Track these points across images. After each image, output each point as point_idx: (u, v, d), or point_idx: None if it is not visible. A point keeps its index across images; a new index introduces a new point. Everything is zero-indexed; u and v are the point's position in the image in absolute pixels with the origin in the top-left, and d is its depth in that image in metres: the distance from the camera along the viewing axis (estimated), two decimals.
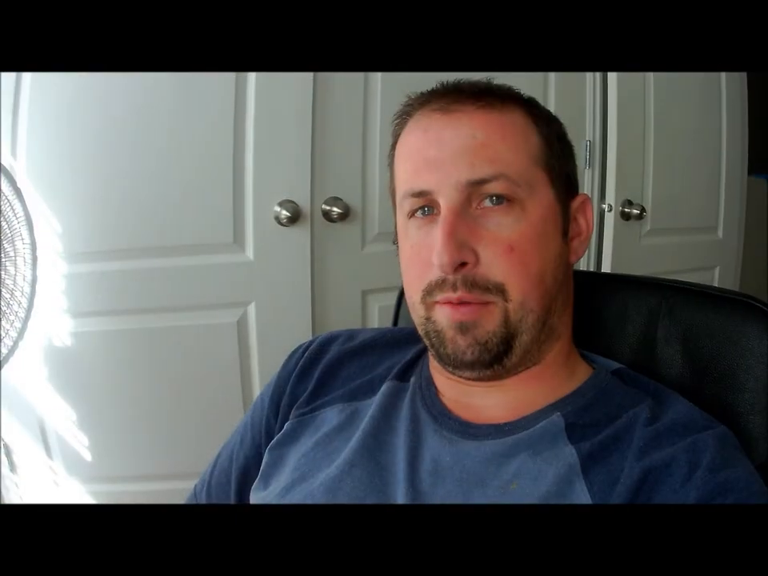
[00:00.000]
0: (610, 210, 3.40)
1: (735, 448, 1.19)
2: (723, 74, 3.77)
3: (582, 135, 3.40)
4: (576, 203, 1.35)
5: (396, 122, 1.37)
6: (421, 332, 1.32)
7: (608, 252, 3.46)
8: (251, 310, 2.88)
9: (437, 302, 1.25)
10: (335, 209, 2.90)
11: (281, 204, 2.79)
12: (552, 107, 1.39)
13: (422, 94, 1.34)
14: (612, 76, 3.37)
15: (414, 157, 1.29)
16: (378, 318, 3.12)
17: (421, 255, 1.26)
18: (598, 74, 3.45)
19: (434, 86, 1.33)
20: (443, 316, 1.25)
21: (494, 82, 1.33)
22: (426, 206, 1.26)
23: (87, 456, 2.76)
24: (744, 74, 3.90)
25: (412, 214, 1.29)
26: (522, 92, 1.35)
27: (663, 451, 1.15)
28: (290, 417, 1.46)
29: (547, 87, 3.31)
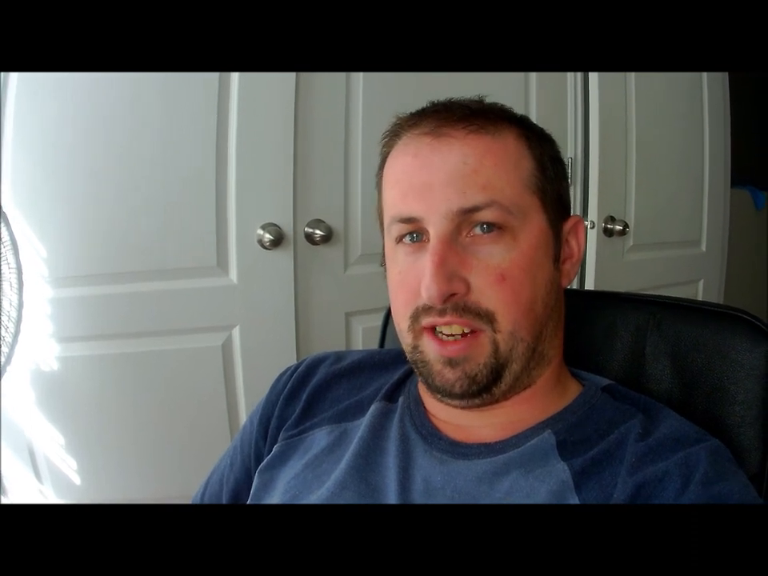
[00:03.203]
0: (593, 227, 3.40)
1: (728, 461, 1.18)
2: (705, 87, 3.80)
3: (563, 152, 3.32)
4: (568, 225, 1.34)
5: (384, 141, 1.34)
6: (409, 359, 1.31)
7: (591, 269, 3.45)
8: (236, 333, 2.87)
9: (424, 329, 1.24)
10: (318, 231, 2.90)
11: (263, 227, 2.79)
12: None
13: (411, 115, 1.31)
14: (593, 92, 3.38)
15: (402, 182, 1.26)
16: (362, 339, 3.12)
17: (408, 282, 1.24)
18: (579, 90, 3.47)
19: (424, 106, 1.31)
20: (431, 349, 1.24)
21: (486, 101, 1.31)
22: (414, 232, 1.24)
23: (76, 480, 2.74)
24: (726, 86, 3.93)
25: (400, 240, 1.27)
26: (513, 110, 1.33)
27: (656, 466, 1.15)
28: (279, 439, 1.46)
29: (528, 103, 3.33)
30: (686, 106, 3.80)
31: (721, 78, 3.90)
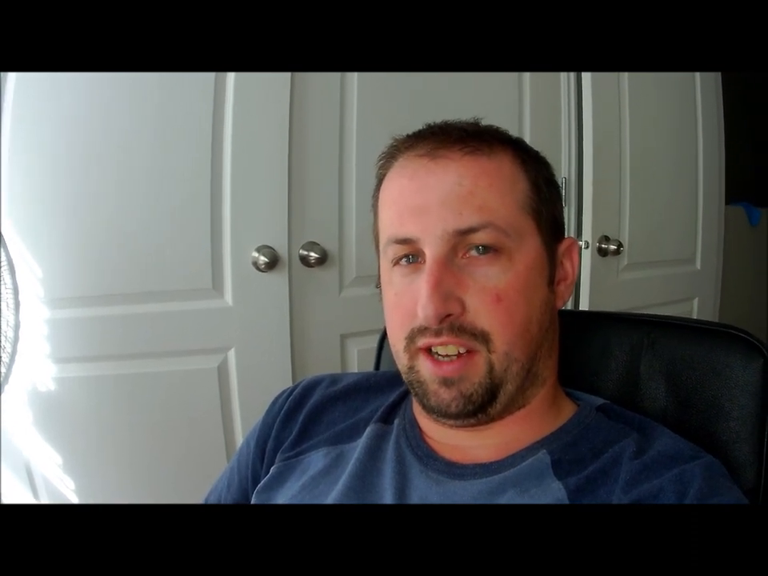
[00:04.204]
0: (587, 247, 3.40)
1: (723, 476, 1.18)
2: (699, 104, 3.81)
3: (557, 173, 3.29)
4: (563, 247, 1.34)
5: (380, 163, 1.35)
6: (405, 380, 1.32)
7: (586, 289, 3.46)
8: (231, 355, 2.87)
9: (420, 349, 1.24)
10: (312, 253, 2.90)
11: (258, 249, 2.79)
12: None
13: (408, 136, 1.32)
14: (587, 112, 3.39)
15: (398, 203, 1.27)
16: (358, 361, 3.12)
17: (404, 303, 1.24)
18: (572, 110, 3.47)
19: (420, 129, 1.32)
20: (426, 369, 1.24)
21: (482, 124, 1.32)
22: (410, 253, 1.24)
23: (74, 499, 2.73)
24: (720, 103, 3.94)
25: (396, 261, 1.27)
26: (509, 132, 1.34)
27: (650, 483, 1.15)
28: (276, 461, 1.46)
29: (522, 125, 3.33)
30: (680, 124, 3.81)
31: (714, 95, 3.91)
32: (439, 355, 1.23)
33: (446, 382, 1.22)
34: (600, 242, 3.46)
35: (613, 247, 3.48)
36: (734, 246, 4.39)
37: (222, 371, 2.88)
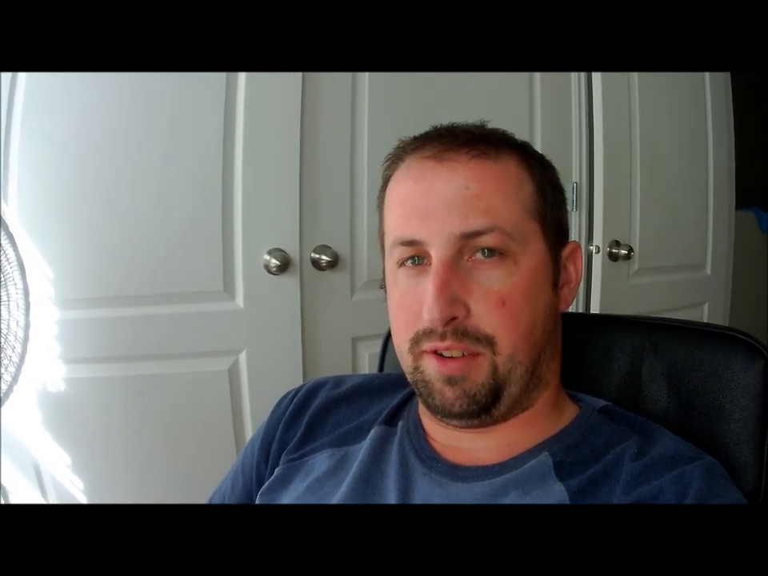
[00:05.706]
0: (598, 252, 3.40)
1: (723, 477, 1.19)
2: (709, 109, 3.81)
3: (568, 178, 3.38)
4: (566, 251, 1.35)
5: (386, 164, 1.35)
6: (409, 380, 1.32)
7: (596, 293, 3.46)
8: (242, 358, 2.87)
9: (424, 351, 1.25)
10: (324, 257, 2.90)
11: (270, 252, 2.80)
12: (538, 149, 1.38)
13: (414, 138, 1.32)
14: (597, 117, 3.38)
15: (404, 205, 1.27)
16: (368, 364, 3.12)
17: (409, 304, 1.25)
18: (583, 115, 3.46)
19: (427, 131, 1.33)
20: (431, 368, 1.25)
21: (488, 126, 1.33)
22: (416, 255, 1.25)
23: (82, 500, 2.74)
24: (730, 108, 3.93)
25: (402, 263, 1.27)
26: (515, 136, 1.34)
27: (651, 484, 1.16)
28: (280, 462, 1.46)
29: (533, 129, 3.33)
30: (690, 129, 3.81)
31: (724, 99, 3.91)
32: (444, 355, 1.24)
33: (451, 381, 1.23)
34: (611, 247, 3.46)
35: (623, 252, 3.47)
36: (745, 252, 4.38)
37: (233, 374, 2.88)
